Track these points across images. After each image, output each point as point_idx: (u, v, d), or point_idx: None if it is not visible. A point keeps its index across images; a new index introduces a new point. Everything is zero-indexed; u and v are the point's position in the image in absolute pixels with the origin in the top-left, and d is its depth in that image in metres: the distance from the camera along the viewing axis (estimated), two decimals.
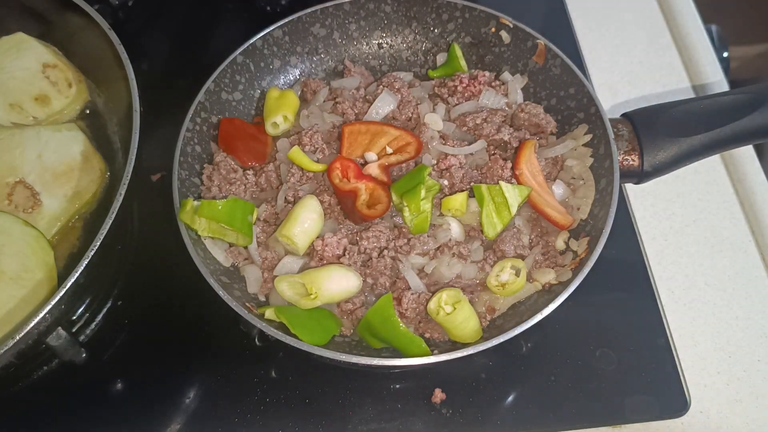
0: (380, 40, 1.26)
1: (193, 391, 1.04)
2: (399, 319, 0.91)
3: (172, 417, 1.02)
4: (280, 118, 1.13)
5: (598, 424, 1.02)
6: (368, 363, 0.89)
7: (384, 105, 1.12)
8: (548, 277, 0.98)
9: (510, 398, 1.03)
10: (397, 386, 1.04)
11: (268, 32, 1.17)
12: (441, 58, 1.24)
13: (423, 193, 0.98)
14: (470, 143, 1.08)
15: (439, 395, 1.02)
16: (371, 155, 1.06)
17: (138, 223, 1.20)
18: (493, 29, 1.19)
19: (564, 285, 0.94)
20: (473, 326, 0.93)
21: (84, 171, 1.10)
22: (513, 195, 0.99)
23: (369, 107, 1.12)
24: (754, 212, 1.22)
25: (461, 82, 1.14)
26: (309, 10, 1.19)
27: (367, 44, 1.27)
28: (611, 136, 1.02)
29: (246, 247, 1.02)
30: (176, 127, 1.07)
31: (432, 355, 0.89)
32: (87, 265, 0.89)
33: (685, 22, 1.47)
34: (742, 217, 1.22)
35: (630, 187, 1.25)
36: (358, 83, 1.19)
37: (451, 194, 1.03)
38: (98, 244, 0.91)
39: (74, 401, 1.04)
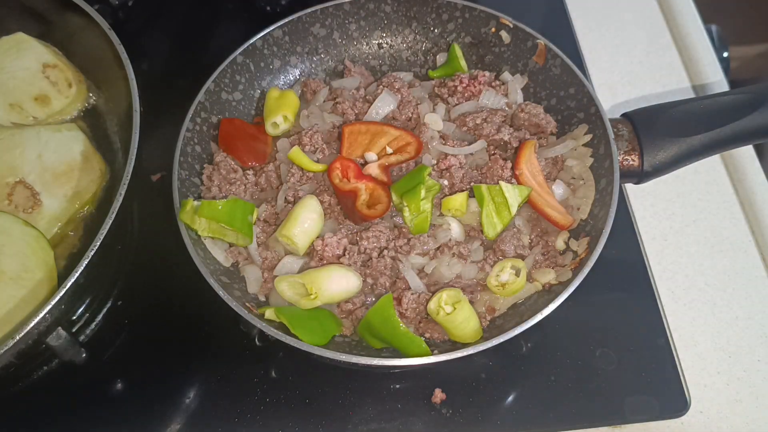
0: (380, 40, 1.26)
1: (193, 391, 1.04)
2: (399, 319, 0.91)
3: (172, 417, 1.02)
4: (280, 118, 1.13)
5: (598, 424, 1.02)
6: (368, 363, 0.89)
7: (384, 105, 1.12)
8: (548, 277, 0.98)
9: (510, 398, 1.03)
10: (397, 386, 1.04)
11: (268, 32, 1.17)
12: (441, 58, 1.24)
13: (423, 193, 0.98)
14: (470, 143, 1.08)
15: (439, 395, 1.02)
16: (371, 155, 1.06)
17: (138, 223, 1.20)
18: (493, 29, 1.19)
19: (564, 285, 0.94)
20: (473, 326, 0.93)
21: (84, 171, 1.10)
22: (513, 195, 0.99)
23: (369, 107, 1.12)
24: (754, 212, 1.22)
25: (461, 82, 1.14)
26: (309, 10, 1.19)
27: (367, 44, 1.27)
28: (611, 136, 1.02)
29: (246, 247, 1.02)
30: (176, 127, 1.07)
31: (432, 355, 0.89)
32: (87, 265, 0.89)
33: (685, 22, 1.47)
34: (742, 217, 1.22)
35: (630, 187, 1.25)
36: (358, 83, 1.19)
37: (451, 194, 1.03)
38: (98, 244, 0.91)
39: (74, 401, 1.04)
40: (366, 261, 0.99)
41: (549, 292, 0.97)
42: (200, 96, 1.10)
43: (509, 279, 0.96)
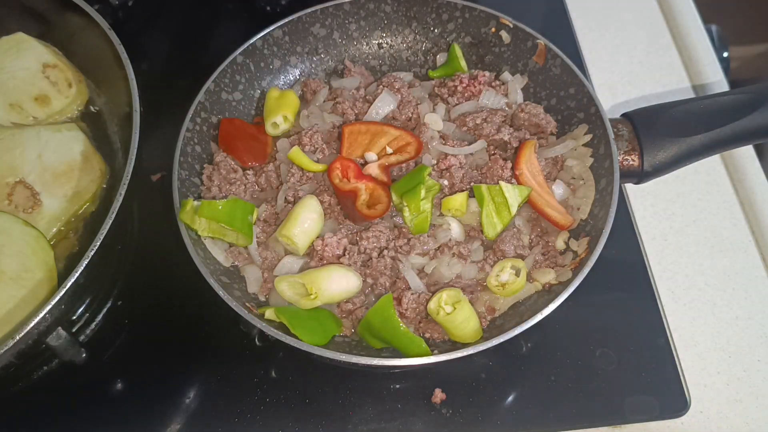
0: (380, 40, 1.26)
1: (193, 391, 1.04)
2: (399, 319, 0.91)
3: (172, 417, 1.02)
4: (280, 118, 1.13)
5: (598, 424, 1.02)
6: (368, 363, 0.89)
7: (384, 105, 1.12)
8: (548, 277, 0.98)
9: (510, 398, 1.03)
10: (397, 386, 1.04)
11: (268, 32, 1.17)
12: (441, 58, 1.24)
13: (423, 193, 0.98)
14: (470, 143, 1.08)
15: (439, 395, 1.02)
16: (371, 155, 1.06)
17: (138, 223, 1.20)
18: (493, 29, 1.19)
19: (564, 285, 0.94)
20: (473, 326, 0.93)
21: (84, 171, 1.10)
22: (513, 195, 0.99)
23: (369, 107, 1.12)
24: (754, 212, 1.22)
25: (461, 82, 1.14)
26: (309, 10, 1.19)
27: (367, 44, 1.27)
28: (611, 136, 1.02)
29: (246, 247, 1.02)
30: (176, 127, 1.07)
31: (432, 355, 0.89)
32: (87, 265, 0.89)
33: (685, 22, 1.47)
34: (742, 217, 1.22)
35: (630, 187, 1.25)
36: (358, 83, 1.19)
37: (451, 194, 1.03)
38: (98, 244, 0.91)
39: (74, 401, 1.04)
40: (366, 261, 0.99)
41: (549, 292, 0.97)
42: (200, 96, 1.10)
43: (509, 279, 0.96)
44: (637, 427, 1.02)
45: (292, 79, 1.24)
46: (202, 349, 1.08)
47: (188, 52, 1.45)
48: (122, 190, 0.95)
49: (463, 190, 1.03)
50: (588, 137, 1.07)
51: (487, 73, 1.16)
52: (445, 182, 1.04)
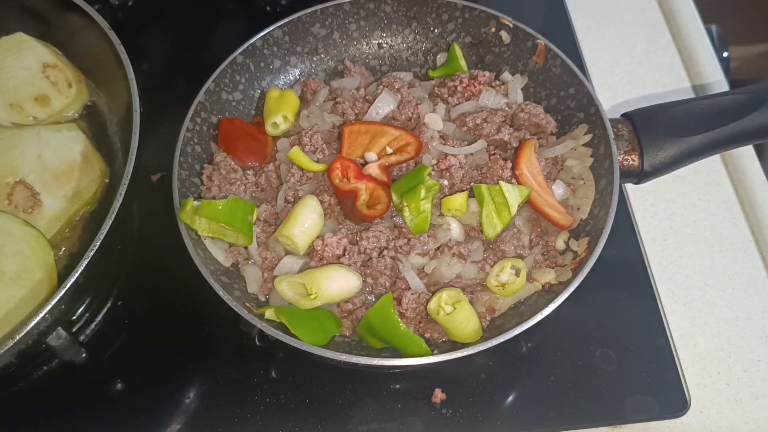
0: (380, 40, 1.26)
1: (193, 391, 1.04)
2: (399, 319, 0.91)
3: (172, 417, 1.02)
4: (280, 118, 1.13)
5: (598, 424, 1.02)
6: (368, 363, 0.89)
7: (384, 105, 1.12)
8: (548, 277, 0.98)
9: (510, 398, 1.03)
10: (397, 386, 1.04)
11: (268, 32, 1.17)
12: (441, 58, 1.24)
13: (423, 193, 0.98)
14: (470, 143, 1.08)
15: (439, 395, 1.02)
16: (371, 155, 1.06)
17: (138, 223, 1.20)
18: (493, 29, 1.19)
19: (564, 285, 0.94)
20: (473, 326, 0.93)
21: (84, 171, 1.10)
22: (513, 195, 0.99)
23: (369, 107, 1.12)
24: (754, 212, 1.22)
25: (461, 82, 1.14)
26: (309, 10, 1.19)
27: (367, 44, 1.27)
28: (611, 136, 1.02)
29: (246, 247, 1.02)
30: (176, 127, 1.07)
31: (432, 355, 0.89)
32: (87, 265, 0.89)
33: (685, 22, 1.47)
34: (742, 217, 1.22)
35: (630, 187, 1.25)
36: (358, 83, 1.19)
37: (451, 194, 1.03)
38: (98, 244, 0.91)
39: (74, 401, 1.04)
40: (366, 261, 0.99)
41: (549, 292, 0.97)
42: (200, 96, 1.10)
43: (509, 279, 0.96)
44: (637, 427, 1.02)
45: (292, 79, 1.24)
46: (202, 349, 1.08)
47: (188, 52, 1.45)
48: (122, 190, 0.95)
49: (463, 190, 1.03)
50: (588, 137, 1.07)
51: (487, 73, 1.16)
52: (445, 182, 1.04)
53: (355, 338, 0.98)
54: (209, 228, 0.99)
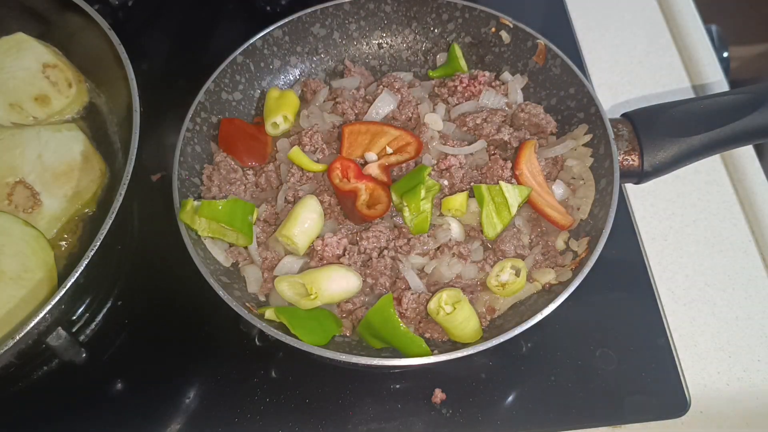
0: (380, 40, 1.26)
1: (193, 391, 1.04)
2: (399, 319, 0.91)
3: (172, 417, 1.02)
4: (280, 118, 1.13)
5: (598, 424, 1.02)
6: (368, 363, 0.89)
7: (384, 105, 1.12)
8: (548, 277, 0.98)
9: (510, 398, 1.03)
10: (397, 386, 1.04)
11: (268, 32, 1.17)
12: (441, 58, 1.24)
13: (423, 193, 0.98)
14: (470, 143, 1.08)
15: (439, 395, 1.02)
16: (371, 155, 1.06)
17: (138, 223, 1.20)
18: (493, 29, 1.19)
19: (564, 285, 0.94)
20: (473, 326, 0.93)
21: (84, 171, 1.10)
22: (513, 195, 0.99)
23: (369, 107, 1.12)
24: (754, 212, 1.22)
25: (461, 82, 1.14)
26: (309, 10, 1.19)
27: (367, 44, 1.27)
28: (611, 136, 1.02)
29: (246, 247, 1.02)
30: (176, 127, 1.07)
31: (432, 355, 0.89)
32: (87, 265, 0.89)
33: (685, 22, 1.47)
34: (742, 217, 1.22)
35: (630, 187, 1.25)
36: (358, 83, 1.19)
37: (451, 194, 1.03)
38: (98, 244, 0.91)
39: (74, 401, 1.04)
40: (366, 261, 0.99)
41: (549, 292, 0.97)
42: (200, 96, 1.10)
43: (509, 279, 0.96)
44: (637, 427, 1.02)
45: (292, 79, 1.24)
46: (202, 349, 1.08)
47: (188, 52, 1.45)
48: (122, 190, 0.95)
49: (463, 190, 1.03)
50: (588, 137, 1.07)
51: (487, 73, 1.16)
52: (445, 182, 1.04)
53: (355, 338, 0.98)
54: (209, 228, 0.99)
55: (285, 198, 1.04)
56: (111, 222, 0.92)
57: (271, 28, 1.17)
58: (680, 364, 1.06)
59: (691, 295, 1.14)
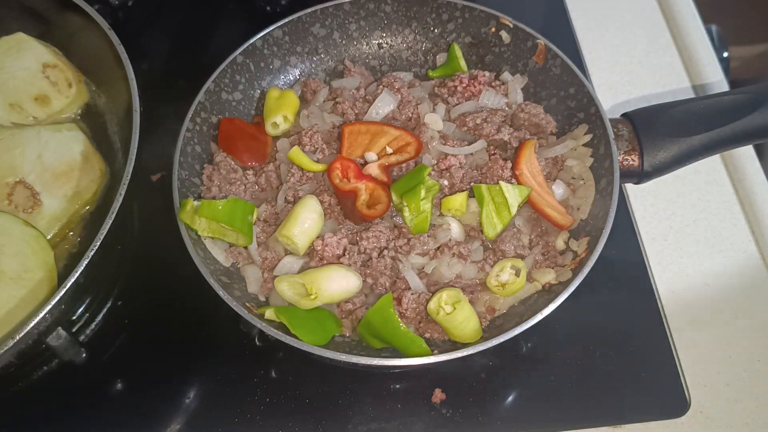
0: (380, 40, 1.26)
1: (193, 391, 1.04)
2: (399, 319, 0.91)
3: (172, 417, 1.02)
4: (280, 118, 1.13)
5: (598, 424, 1.02)
6: (368, 363, 0.89)
7: (384, 105, 1.12)
8: (548, 277, 0.98)
9: (510, 398, 1.03)
10: (397, 386, 1.04)
11: (268, 32, 1.17)
12: (441, 58, 1.24)
13: (423, 193, 0.98)
14: (470, 143, 1.08)
15: (439, 395, 1.02)
16: (371, 155, 1.06)
17: (138, 223, 1.20)
18: (493, 29, 1.19)
19: (564, 285, 0.94)
20: (473, 326, 0.93)
21: (84, 171, 1.10)
22: (513, 195, 0.99)
23: (369, 107, 1.12)
24: (754, 212, 1.22)
25: (461, 82, 1.14)
26: (309, 10, 1.19)
27: (367, 44, 1.27)
28: (611, 136, 1.02)
29: (246, 247, 1.02)
30: (176, 127, 1.07)
31: (432, 355, 0.89)
32: (87, 265, 0.89)
33: (685, 22, 1.47)
34: (742, 217, 1.22)
35: (630, 187, 1.25)
36: (358, 83, 1.19)
37: (451, 194, 1.03)
38: (98, 244, 0.91)
39: (74, 401, 1.04)
40: (366, 261, 0.99)
41: (549, 292, 0.97)
42: (200, 96, 1.10)
43: (509, 279, 0.96)
44: (637, 427, 1.02)
45: (292, 79, 1.24)
46: (202, 349, 1.08)
47: (188, 52, 1.45)
48: (122, 190, 0.95)
49: (463, 190, 1.03)
50: (588, 137, 1.07)
51: (487, 73, 1.16)
52: (445, 182, 1.04)
53: (355, 338, 0.98)
54: (209, 228, 0.99)
55: (285, 198, 1.04)
56: (111, 222, 0.92)
57: (271, 28, 1.17)
58: (680, 364, 1.06)
59: (691, 295, 1.14)
